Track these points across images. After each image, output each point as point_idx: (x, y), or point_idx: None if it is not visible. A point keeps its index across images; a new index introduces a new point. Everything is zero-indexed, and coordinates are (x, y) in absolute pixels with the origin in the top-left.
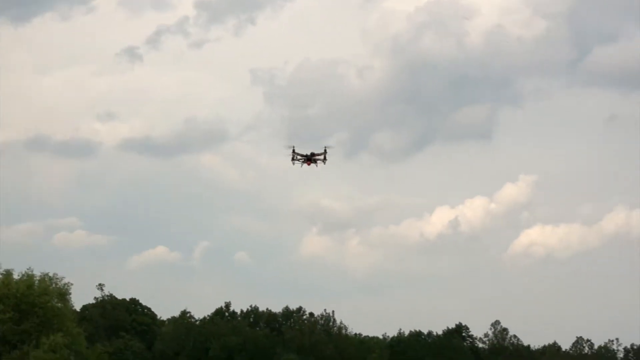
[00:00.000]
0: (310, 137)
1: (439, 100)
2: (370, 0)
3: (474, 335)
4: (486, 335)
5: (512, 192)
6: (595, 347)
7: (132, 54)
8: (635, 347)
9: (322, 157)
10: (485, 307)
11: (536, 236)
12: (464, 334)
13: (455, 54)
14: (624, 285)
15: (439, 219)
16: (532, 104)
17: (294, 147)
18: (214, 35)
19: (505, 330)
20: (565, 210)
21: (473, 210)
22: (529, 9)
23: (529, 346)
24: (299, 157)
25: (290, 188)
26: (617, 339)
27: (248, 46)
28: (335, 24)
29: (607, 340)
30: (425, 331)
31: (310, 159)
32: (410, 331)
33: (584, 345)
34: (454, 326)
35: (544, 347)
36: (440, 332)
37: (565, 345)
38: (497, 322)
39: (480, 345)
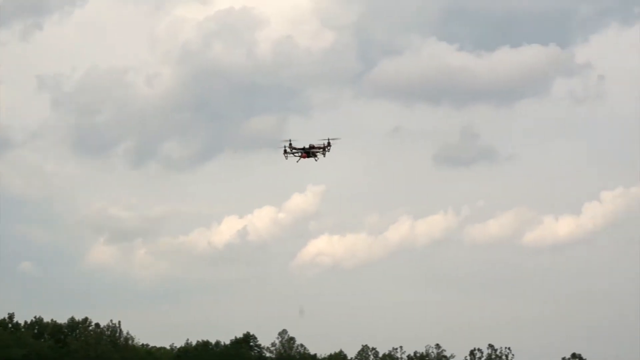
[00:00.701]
0: (98, 144)
1: (229, 109)
2: (161, 7)
3: (262, 345)
4: (273, 344)
5: (299, 202)
6: (380, 355)
7: None
8: (418, 354)
9: (321, 150)
10: (273, 316)
11: (323, 246)
12: (251, 343)
13: (245, 63)
14: (408, 294)
15: (227, 229)
16: (320, 114)
17: (290, 140)
18: None
19: (292, 339)
20: (352, 221)
21: (261, 219)
22: (318, 21)
23: (315, 355)
24: (294, 150)
25: (77, 197)
26: (401, 347)
27: (35, 51)
28: (124, 31)
29: (391, 348)
30: (213, 341)
31: (308, 152)
32: (198, 341)
33: (369, 353)
34: (241, 335)
35: (330, 355)
36: (228, 342)
37: (351, 353)
38: (284, 332)
39: (268, 354)
